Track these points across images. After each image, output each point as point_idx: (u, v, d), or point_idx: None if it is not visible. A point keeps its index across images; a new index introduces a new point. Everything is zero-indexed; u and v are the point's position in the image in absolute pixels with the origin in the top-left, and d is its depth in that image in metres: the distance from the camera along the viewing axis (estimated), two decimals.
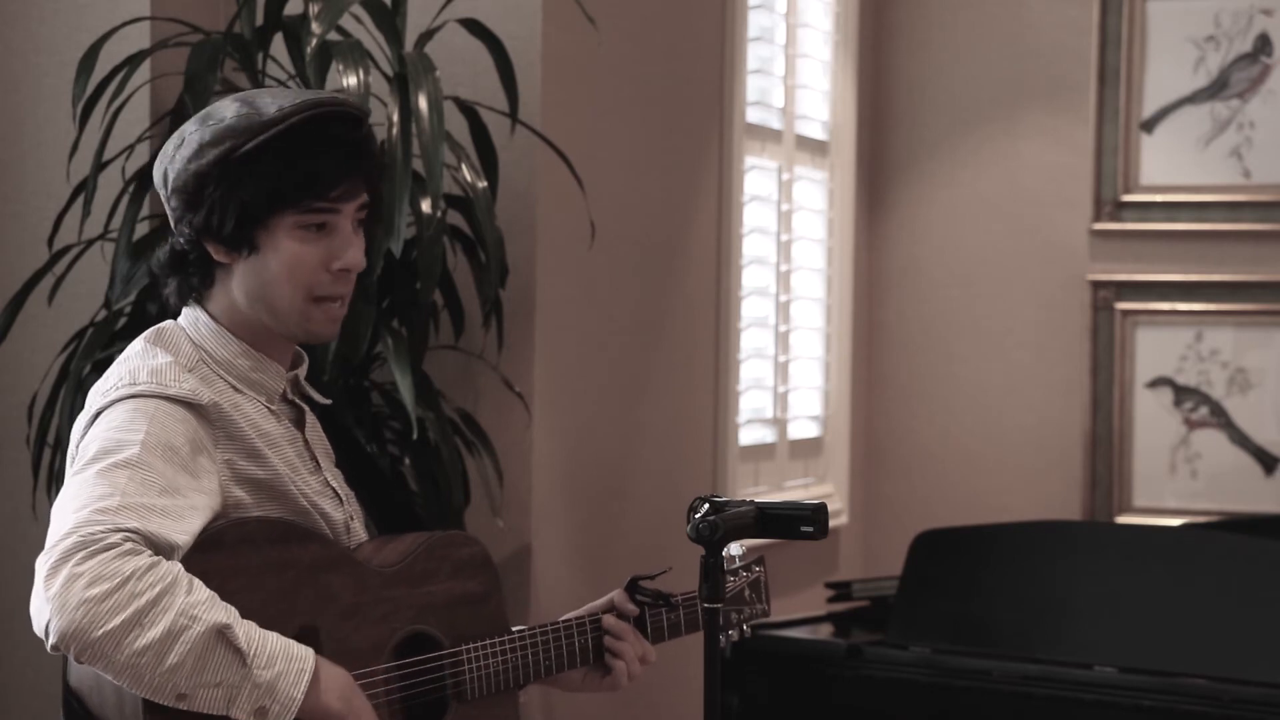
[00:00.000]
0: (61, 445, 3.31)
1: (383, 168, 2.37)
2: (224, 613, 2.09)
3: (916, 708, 3.52)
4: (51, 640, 2.05)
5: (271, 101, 2.28)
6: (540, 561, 3.86)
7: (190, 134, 2.29)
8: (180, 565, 2.09)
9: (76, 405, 3.27)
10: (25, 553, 3.68)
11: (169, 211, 2.32)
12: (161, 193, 2.32)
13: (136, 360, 2.28)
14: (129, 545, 2.05)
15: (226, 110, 2.28)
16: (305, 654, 2.14)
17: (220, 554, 2.16)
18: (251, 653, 2.09)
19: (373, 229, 2.38)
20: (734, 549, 2.73)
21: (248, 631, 2.10)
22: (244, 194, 2.25)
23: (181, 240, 2.30)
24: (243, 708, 2.09)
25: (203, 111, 2.32)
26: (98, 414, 2.23)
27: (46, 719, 3.68)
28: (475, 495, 3.56)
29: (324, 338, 2.36)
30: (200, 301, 2.34)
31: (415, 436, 3.26)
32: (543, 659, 2.51)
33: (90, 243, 3.46)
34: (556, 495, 3.94)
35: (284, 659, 2.12)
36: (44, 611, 2.06)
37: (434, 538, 2.45)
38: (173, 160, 2.30)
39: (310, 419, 2.43)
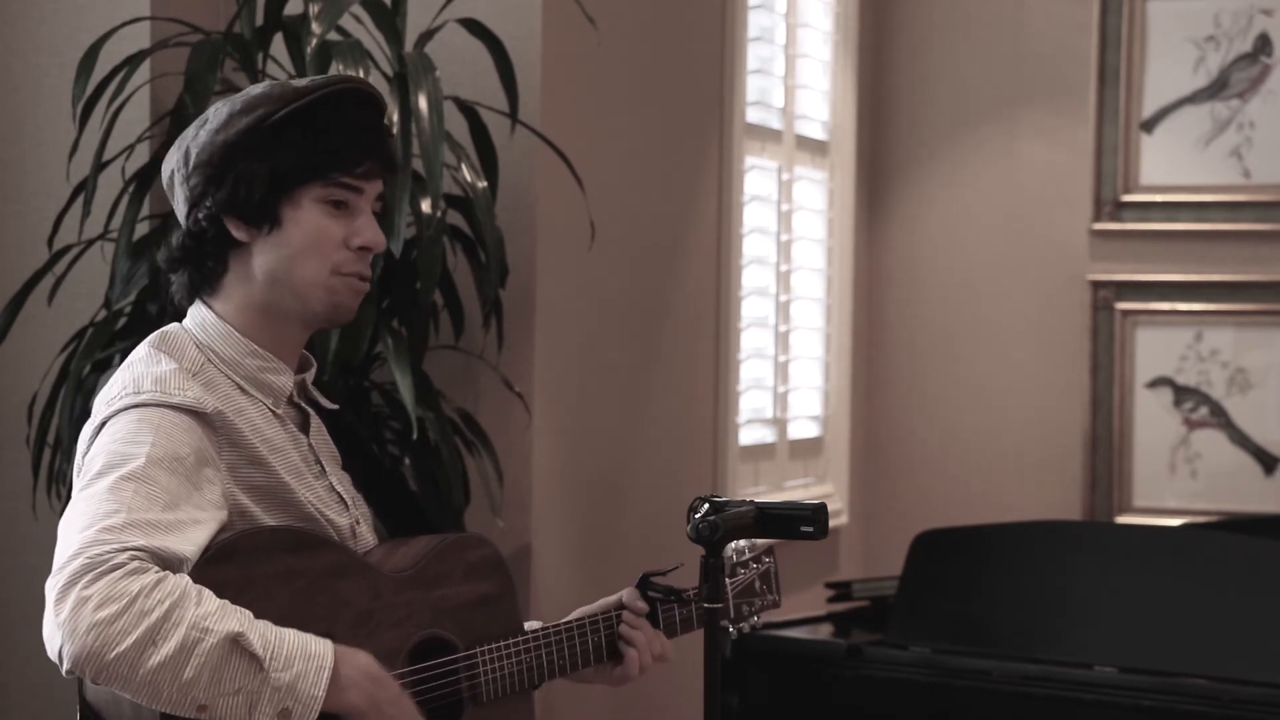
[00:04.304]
0: (62, 445, 3.31)
1: (398, 163, 2.39)
2: (236, 620, 2.07)
3: (916, 708, 3.52)
4: (66, 666, 2.03)
5: (301, 79, 2.32)
6: (540, 561, 3.86)
7: (217, 111, 2.30)
8: (188, 578, 2.08)
9: (76, 405, 3.27)
10: (25, 553, 3.69)
11: (185, 193, 2.30)
12: (179, 173, 2.30)
13: (141, 367, 2.27)
14: (135, 564, 2.04)
15: (256, 88, 2.31)
16: (324, 650, 2.13)
17: (233, 565, 2.15)
18: (268, 656, 2.08)
19: (385, 222, 2.39)
20: (742, 541, 2.73)
21: (263, 634, 2.09)
22: (273, 162, 2.26)
23: (201, 218, 2.28)
24: (265, 712, 2.08)
25: (229, 97, 2.33)
26: (103, 424, 2.22)
27: (46, 719, 3.68)
28: (475, 495, 3.56)
29: (348, 310, 2.34)
30: (208, 299, 2.33)
31: (415, 436, 3.26)
32: (556, 659, 2.51)
33: (90, 243, 3.46)
34: (556, 495, 3.94)
35: (302, 658, 2.10)
36: (55, 638, 2.03)
37: (446, 540, 2.44)
38: (195, 138, 2.29)
39: (315, 423, 2.42)
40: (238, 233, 2.29)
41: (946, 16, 5.52)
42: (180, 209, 2.32)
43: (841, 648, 3.61)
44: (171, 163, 2.33)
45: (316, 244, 2.29)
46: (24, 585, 3.67)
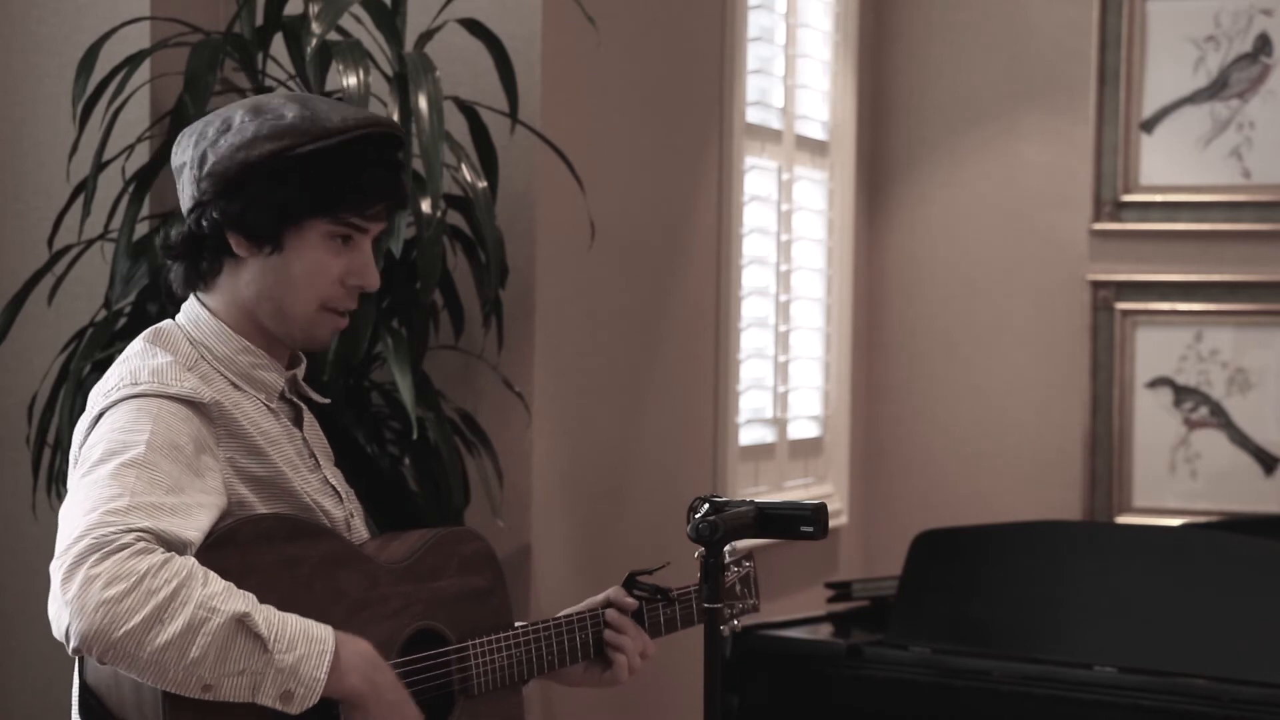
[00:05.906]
0: (62, 445, 3.31)
1: (408, 201, 2.40)
2: (242, 601, 2.10)
3: (916, 708, 3.52)
4: (73, 644, 2.05)
5: (331, 110, 2.30)
6: (540, 561, 3.86)
7: (241, 123, 2.28)
8: (194, 559, 2.10)
9: (76, 405, 3.27)
10: (25, 552, 3.68)
11: (193, 191, 2.30)
12: (190, 172, 2.30)
13: (137, 360, 2.28)
14: (142, 545, 2.06)
15: (285, 109, 2.28)
16: (325, 634, 2.16)
17: (235, 550, 2.18)
18: (272, 638, 2.10)
19: (381, 249, 2.40)
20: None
21: (267, 617, 2.11)
22: (288, 193, 2.26)
23: (205, 224, 2.29)
24: (267, 693, 2.10)
25: (251, 103, 2.31)
26: (100, 415, 2.23)
27: (46, 718, 3.68)
28: (475, 495, 3.56)
29: (320, 346, 2.39)
30: (202, 294, 2.34)
31: (415, 436, 3.26)
32: (545, 654, 2.52)
33: (90, 243, 3.46)
34: (556, 495, 3.94)
35: (305, 641, 2.13)
36: (62, 616, 2.05)
37: (439, 534, 2.46)
38: (215, 144, 2.28)
39: (308, 418, 2.45)
40: (238, 248, 2.31)
41: (946, 17, 5.52)
42: (185, 201, 2.33)
43: (841, 648, 3.61)
44: (184, 155, 2.32)
45: (312, 279, 2.31)
46: (24, 585, 3.67)
